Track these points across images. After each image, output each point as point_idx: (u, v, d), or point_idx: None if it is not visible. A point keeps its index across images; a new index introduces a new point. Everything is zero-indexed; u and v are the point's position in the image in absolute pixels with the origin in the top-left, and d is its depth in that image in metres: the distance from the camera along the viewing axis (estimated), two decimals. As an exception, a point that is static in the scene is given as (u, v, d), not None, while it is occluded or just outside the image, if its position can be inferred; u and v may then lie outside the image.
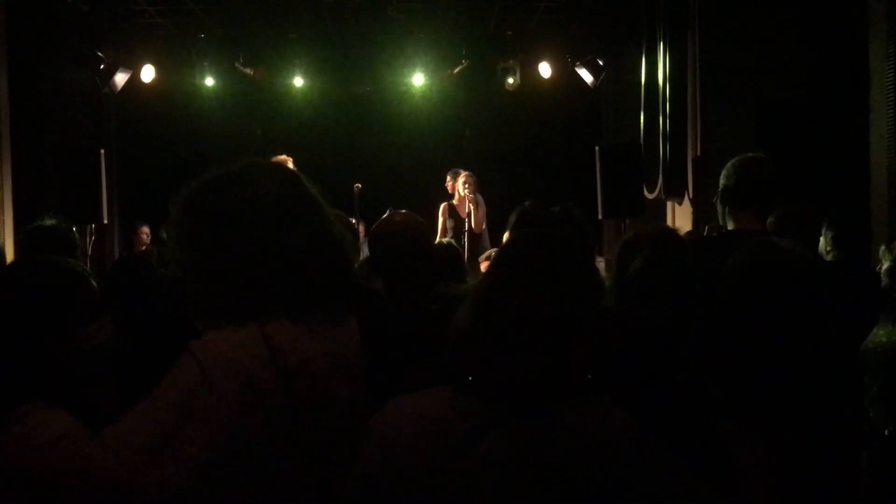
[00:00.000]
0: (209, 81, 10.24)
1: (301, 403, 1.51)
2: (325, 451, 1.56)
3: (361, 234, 7.37)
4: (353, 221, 7.56)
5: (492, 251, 6.32)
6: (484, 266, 6.19)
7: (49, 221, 3.99)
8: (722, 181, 3.20)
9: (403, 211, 3.12)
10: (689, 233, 5.64)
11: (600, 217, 8.29)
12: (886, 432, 3.35)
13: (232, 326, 1.51)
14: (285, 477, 1.51)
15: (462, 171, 8.28)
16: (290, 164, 8.29)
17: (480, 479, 1.44)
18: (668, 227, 3.41)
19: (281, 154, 8.41)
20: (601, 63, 9.41)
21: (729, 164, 3.24)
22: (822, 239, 4.01)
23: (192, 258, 1.58)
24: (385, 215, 3.12)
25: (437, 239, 6.92)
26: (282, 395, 1.49)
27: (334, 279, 1.63)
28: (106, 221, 8.34)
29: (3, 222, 7.09)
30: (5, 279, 1.76)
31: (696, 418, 1.62)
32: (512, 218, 3.39)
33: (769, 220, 3.77)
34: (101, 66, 9.40)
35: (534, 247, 1.61)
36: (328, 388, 1.56)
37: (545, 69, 10.16)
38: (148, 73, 9.94)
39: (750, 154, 3.29)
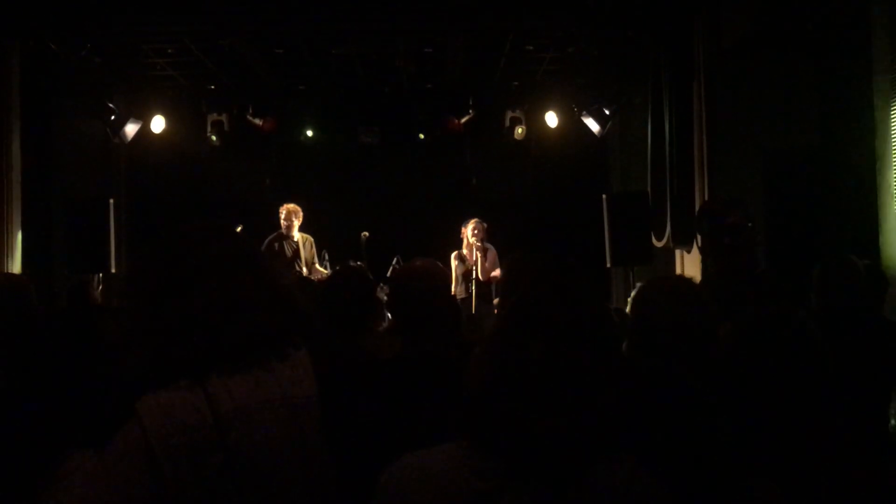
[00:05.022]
0: (218, 132, 10.32)
1: (236, 453, 1.54)
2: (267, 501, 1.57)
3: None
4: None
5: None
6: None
7: None
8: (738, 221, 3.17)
9: (423, 258, 3.08)
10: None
11: (608, 265, 8.28)
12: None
13: (174, 384, 1.58)
14: None
15: (472, 219, 8.30)
16: (299, 213, 8.34)
17: None
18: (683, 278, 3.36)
19: (289, 203, 8.46)
20: (607, 112, 9.46)
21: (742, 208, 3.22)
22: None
23: (142, 312, 1.68)
24: (395, 262, 3.10)
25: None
26: (218, 445, 1.54)
27: (282, 325, 1.71)
28: (114, 271, 8.35)
29: (11, 271, 7.10)
30: None
31: (723, 475, 1.55)
32: (503, 267, 3.38)
33: (815, 269, 3.72)
34: (112, 117, 9.47)
35: (551, 299, 1.56)
36: (266, 437, 1.59)
37: (552, 118, 10.22)
38: (158, 124, 10.02)
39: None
